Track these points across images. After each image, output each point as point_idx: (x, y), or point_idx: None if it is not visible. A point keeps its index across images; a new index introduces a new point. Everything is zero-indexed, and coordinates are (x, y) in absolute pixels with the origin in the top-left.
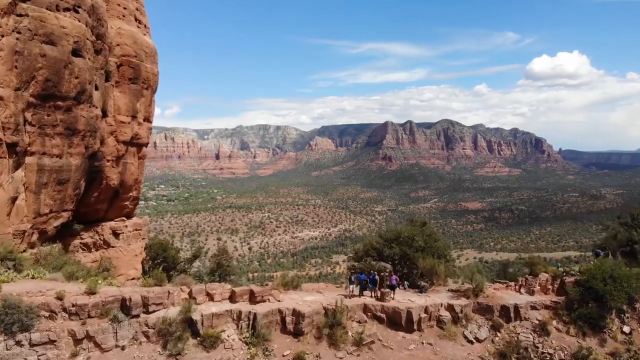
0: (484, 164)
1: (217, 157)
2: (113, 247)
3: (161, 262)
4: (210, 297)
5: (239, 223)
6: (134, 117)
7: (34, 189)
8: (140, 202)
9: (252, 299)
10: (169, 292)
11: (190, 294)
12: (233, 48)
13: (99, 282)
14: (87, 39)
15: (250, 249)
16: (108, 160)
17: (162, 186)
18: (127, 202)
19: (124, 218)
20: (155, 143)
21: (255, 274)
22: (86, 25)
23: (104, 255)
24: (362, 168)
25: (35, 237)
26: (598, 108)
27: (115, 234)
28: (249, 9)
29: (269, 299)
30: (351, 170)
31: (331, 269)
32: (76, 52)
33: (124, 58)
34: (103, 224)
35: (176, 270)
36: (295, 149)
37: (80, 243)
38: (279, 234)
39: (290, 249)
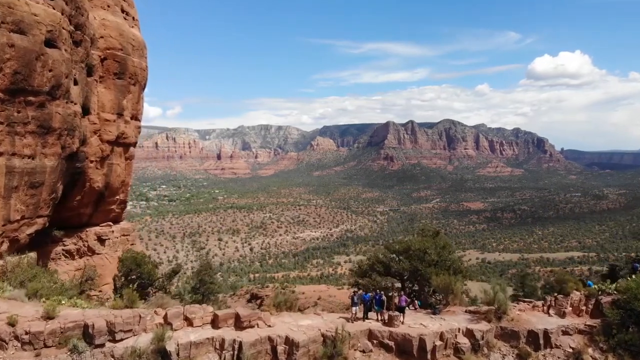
0: (486, 164)
1: (219, 157)
2: (98, 254)
3: (135, 279)
4: (189, 321)
5: (240, 223)
6: (120, 114)
7: (3, 193)
8: (141, 203)
9: (238, 324)
10: (140, 316)
11: (165, 318)
12: (235, 48)
13: (62, 302)
14: (64, 28)
15: (251, 249)
16: (91, 161)
17: (164, 186)
18: (113, 206)
19: (111, 223)
20: (156, 143)
21: (257, 275)
22: (62, 14)
23: (88, 263)
24: (364, 168)
25: (5, 247)
26: (600, 108)
27: (101, 240)
28: (251, 9)
29: (257, 324)
30: (353, 171)
31: (333, 270)
32: (50, 43)
33: (108, 51)
34: (87, 229)
35: (154, 288)
36: (297, 149)
37: (63, 250)
38: (280, 235)
39: (292, 249)
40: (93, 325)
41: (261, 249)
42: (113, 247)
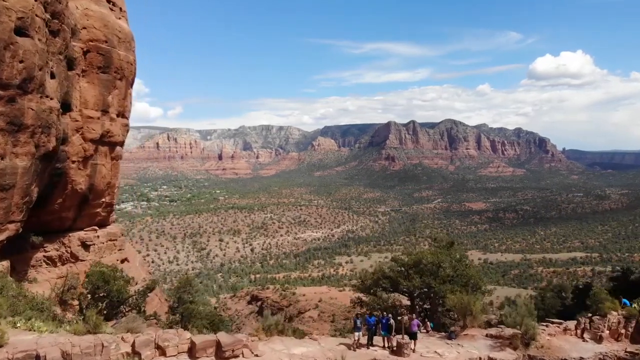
0: (488, 164)
1: (220, 157)
2: (82, 260)
3: (103, 298)
4: (162, 350)
5: (241, 224)
6: (104, 111)
7: None
8: (142, 203)
9: (220, 353)
10: (102, 344)
11: (133, 346)
12: (236, 49)
13: (18, 324)
14: (37, 15)
15: (252, 250)
16: (73, 162)
17: (165, 187)
18: (98, 209)
19: (96, 227)
20: (157, 144)
21: (258, 276)
22: (36, 0)
23: (71, 270)
24: (365, 168)
25: None
26: (601, 108)
27: (85, 246)
28: (251, 9)
29: (242, 353)
30: (354, 171)
31: (334, 271)
32: (21, 31)
33: (91, 43)
34: (70, 234)
35: (128, 306)
36: (298, 149)
37: (44, 257)
38: (281, 235)
39: (293, 250)
40: (45, 356)
41: (262, 249)
42: (98, 253)
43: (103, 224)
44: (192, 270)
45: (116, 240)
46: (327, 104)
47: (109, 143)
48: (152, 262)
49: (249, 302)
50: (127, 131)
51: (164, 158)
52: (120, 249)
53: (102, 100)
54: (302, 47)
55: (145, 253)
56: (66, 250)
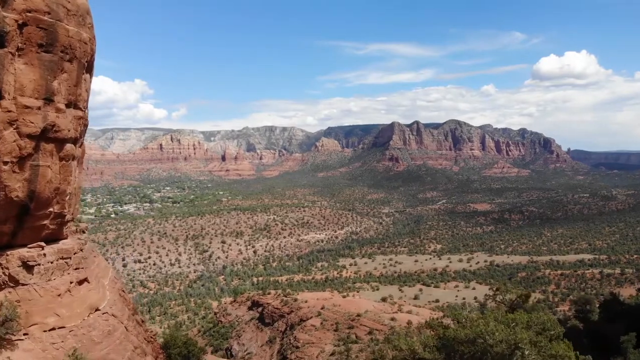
0: (492, 165)
1: (223, 158)
2: (24, 284)
3: None
4: None
5: (244, 225)
6: (48, 100)
7: None
8: (145, 205)
9: None
10: None
11: None
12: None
13: None
14: None
15: (255, 252)
16: (5, 163)
17: (168, 188)
18: (45, 221)
19: (43, 243)
20: (161, 145)
21: (260, 278)
22: None
23: (9, 297)
24: (369, 169)
25: None
26: (606, 108)
27: (27, 267)
28: (254, 10)
29: None
30: (358, 172)
31: (338, 273)
32: None
33: (29, 14)
34: (9, 252)
35: None
36: (302, 150)
37: None
38: (284, 237)
39: (296, 252)
40: None
41: (265, 251)
42: (45, 275)
43: (53, 239)
44: (194, 272)
45: (70, 258)
46: (331, 105)
47: (56, 140)
48: (154, 264)
49: (250, 308)
50: (85, 126)
51: (168, 159)
52: (77, 268)
53: (44, 86)
54: (306, 49)
55: (147, 255)
56: (3, 273)
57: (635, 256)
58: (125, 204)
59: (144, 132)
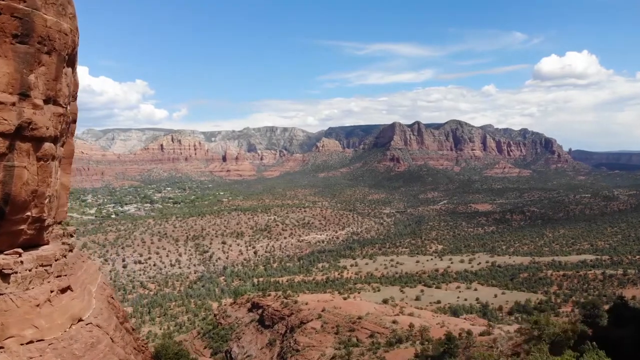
0: (494, 165)
1: (224, 159)
2: (0, 294)
3: None
4: None
5: (244, 226)
6: (24, 95)
7: None
8: (146, 205)
9: None
10: None
11: None
12: (241, 51)
13: None
14: None
15: (255, 253)
16: None
17: (169, 188)
18: (22, 226)
19: (20, 250)
20: (162, 145)
21: (261, 279)
22: None
23: None
24: (370, 169)
25: None
26: (607, 108)
27: (3, 275)
28: (254, 10)
29: None
30: (358, 172)
31: (339, 274)
32: None
33: (2, 2)
34: None
35: None
36: (302, 151)
37: None
38: (285, 237)
39: (297, 252)
40: None
41: (265, 252)
42: (22, 284)
43: (33, 245)
44: (195, 273)
45: (50, 265)
46: (332, 105)
47: (33, 138)
48: (154, 265)
49: (250, 310)
50: (66, 123)
51: (168, 160)
52: (58, 276)
53: (19, 80)
54: (306, 49)
55: (147, 256)
56: None
57: (637, 257)
58: (126, 204)
59: (144, 132)
